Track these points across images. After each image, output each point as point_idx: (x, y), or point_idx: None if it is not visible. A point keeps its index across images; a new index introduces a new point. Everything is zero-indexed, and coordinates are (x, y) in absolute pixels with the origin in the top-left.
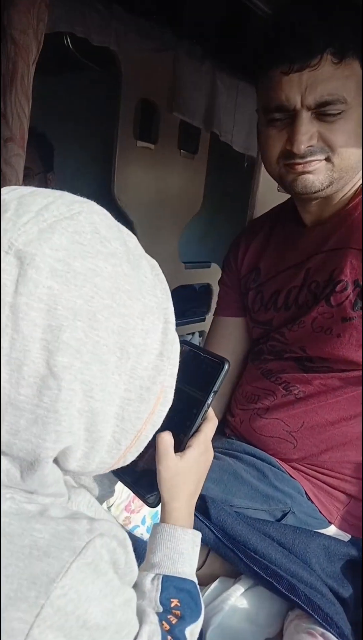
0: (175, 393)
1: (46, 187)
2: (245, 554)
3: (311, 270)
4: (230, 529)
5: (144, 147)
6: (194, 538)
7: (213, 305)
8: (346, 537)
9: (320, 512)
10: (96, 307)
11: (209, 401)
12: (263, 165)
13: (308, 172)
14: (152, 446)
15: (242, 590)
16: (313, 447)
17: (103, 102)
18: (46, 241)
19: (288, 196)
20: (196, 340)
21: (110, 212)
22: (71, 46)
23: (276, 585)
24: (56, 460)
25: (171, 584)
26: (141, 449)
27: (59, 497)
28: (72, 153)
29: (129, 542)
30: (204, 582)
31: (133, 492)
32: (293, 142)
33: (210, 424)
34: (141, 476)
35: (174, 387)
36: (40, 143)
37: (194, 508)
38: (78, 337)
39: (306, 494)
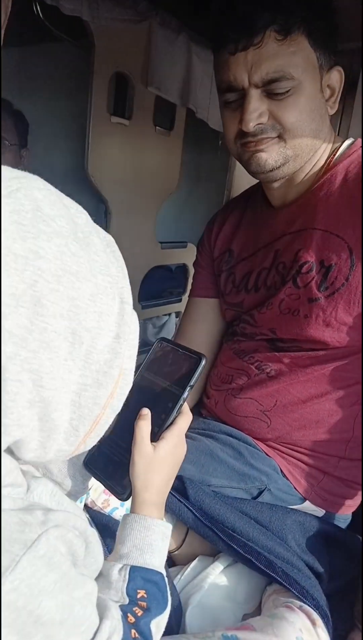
0: (152, 387)
1: (20, 162)
2: (223, 532)
3: (279, 252)
4: (208, 508)
5: (118, 122)
6: (165, 530)
7: (189, 286)
8: (320, 512)
9: (295, 488)
10: (41, 292)
11: (185, 395)
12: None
13: (261, 151)
14: (125, 439)
15: (221, 567)
16: (286, 425)
17: (76, 76)
18: None
19: None
20: (173, 321)
21: (84, 189)
22: (41, 15)
23: (255, 561)
24: (10, 451)
25: (138, 575)
26: (102, 434)
27: (16, 487)
28: (44, 128)
29: (91, 532)
30: (184, 561)
31: (105, 487)
32: (242, 120)
33: (185, 418)
34: (114, 470)
35: (133, 369)
36: (18, 119)
37: (165, 500)
38: (22, 325)
39: (281, 471)
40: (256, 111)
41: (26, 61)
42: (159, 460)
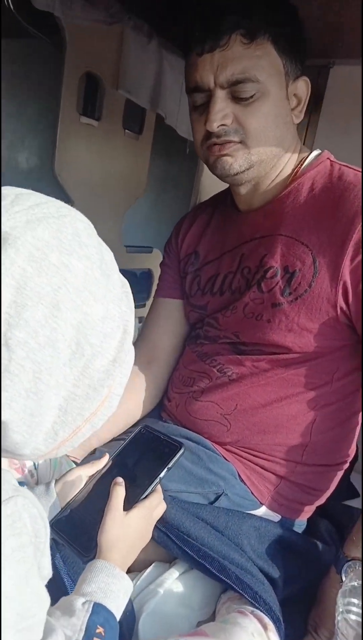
0: (131, 465)
1: None
2: (178, 537)
3: (244, 256)
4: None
5: (87, 123)
6: (128, 587)
7: (153, 291)
8: (276, 517)
9: (252, 493)
10: (61, 298)
11: (161, 475)
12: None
13: (226, 155)
14: (97, 507)
15: (177, 574)
16: (245, 429)
17: (46, 73)
18: (31, 230)
19: None
20: (136, 326)
21: (50, 190)
22: (12, 7)
23: (208, 566)
24: None
25: (101, 611)
26: (75, 445)
27: None
28: (11, 125)
29: (47, 523)
30: (138, 567)
31: (69, 548)
32: (207, 120)
33: (157, 495)
34: (81, 534)
35: (120, 396)
36: None
37: (127, 568)
38: (38, 319)
39: (239, 476)
40: (221, 112)
41: None
42: (128, 526)
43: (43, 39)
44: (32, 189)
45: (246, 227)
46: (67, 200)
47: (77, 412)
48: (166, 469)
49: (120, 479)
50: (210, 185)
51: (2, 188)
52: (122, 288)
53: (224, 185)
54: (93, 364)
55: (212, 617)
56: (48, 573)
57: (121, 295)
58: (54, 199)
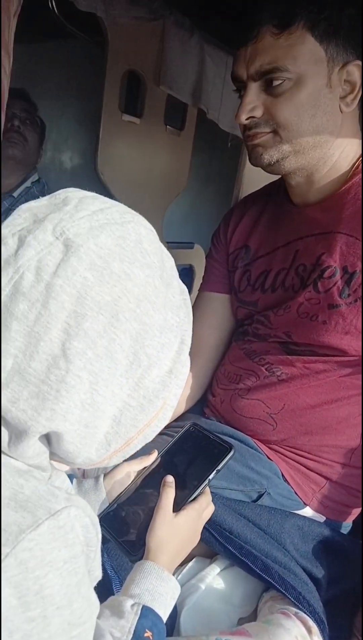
0: (180, 464)
1: (38, 161)
2: (220, 534)
3: (299, 253)
4: None
5: (129, 121)
6: (175, 590)
7: (195, 288)
8: (321, 518)
9: (296, 493)
10: (121, 308)
11: (210, 477)
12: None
13: (257, 145)
14: (146, 505)
15: (218, 570)
16: (292, 429)
17: (88, 73)
18: (94, 237)
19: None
20: None
21: (93, 188)
22: (56, 10)
23: (251, 565)
24: (48, 439)
25: (150, 615)
26: (127, 456)
27: (42, 470)
28: (55, 125)
29: (99, 529)
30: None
31: (117, 545)
32: (236, 113)
33: (206, 497)
34: (129, 532)
35: (174, 408)
36: (40, 122)
37: (173, 570)
38: (97, 329)
39: (282, 475)
40: (250, 104)
41: (39, 57)
42: (177, 528)
43: (85, 39)
44: (76, 187)
45: (302, 223)
46: (110, 197)
47: (131, 423)
48: (215, 471)
49: (170, 479)
50: (253, 179)
51: (66, 191)
52: (181, 295)
53: (266, 179)
54: (149, 374)
55: (253, 615)
56: (98, 575)
57: (180, 303)
58: (118, 204)
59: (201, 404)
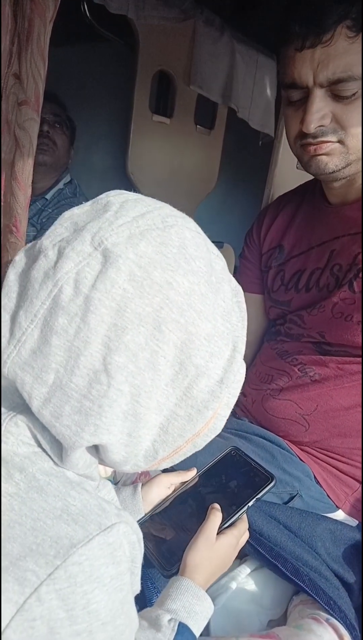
0: (219, 486)
1: (68, 162)
2: (251, 536)
3: (335, 252)
4: None
5: (159, 121)
6: (209, 610)
7: None
8: (353, 522)
9: (328, 496)
10: (163, 319)
11: (250, 504)
12: (281, 143)
13: (322, 154)
14: (184, 522)
15: (248, 571)
16: (325, 431)
17: (119, 74)
18: (133, 246)
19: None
20: None
21: (123, 188)
22: (88, 14)
23: (281, 568)
24: (94, 449)
25: (186, 632)
26: (176, 462)
27: (90, 480)
28: (86, 127)
29: (143, 544)
30: None
31: (151, 558)
32: (303, 121)
33: (243, 524)
34: (165, 547)
35: (226, 418)
36: (71, 123)
37: (206, 587)
38: (138, 342)
39: (315, 477)
40: (319, 112)
41: (70, 60)
42: (216, 552)
43: (117, 41)
44: (107, 188)
45: (338, 222)
46: None
47: (178, 432)
48: (255, 499)
49: (218, 505)
50: (284, 179)
51: (108, 195)
52: (234, 298)
53: (299, 179)
54: (197, 384)
55: (283, 617)
56: (137, 589)
57: (231, 307)
58: (162, 205)
59: None
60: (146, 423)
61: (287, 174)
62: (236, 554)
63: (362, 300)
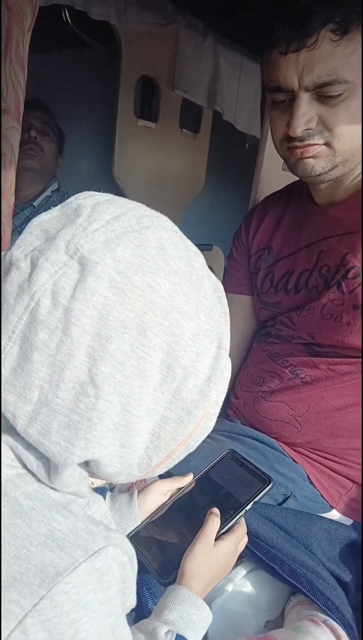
0: (216, 490)
1: (56, 170)
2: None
3: (323, 253)
4: None
5: (144, 126)
6: (207, 619)
7: None
8: (348, 521)
9: (322, 496)
10: (147, 323)
11: (248, 508)
12: (267, 144)
13: (309, 157)
14: (181, 528)
15: (244, 572)
16: (317, 432)
17: (103, 80)
18: (111, 251)
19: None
20: None
21: (110, 193)
22: (69, 21)
23: (278, 570)
24: (87, 463)
25: None
26: (171, 467)
27: (80, 497)
28: (71, 133)
29: (136, 562)
30: None
31: (148, 567)
32: (290, 124)
33: (242, 529)
34: (162, 554)
35: (217, 415)
36: (59, 131)
37: (203, 595)
38: (124, 350)
39: (308, 478)
40: (305, 116)
41: (54, 67)
42: (215, 559)
43: (99, 47)
44: (88, 192)
45: (325, 222)
46: None
47: (171, 436)
48: (252, 502)
49: (216, 510)
50: (270, 180)
51: (77, 197)
52: (215, 294)
53: (285, 180)
54: (186, 385)
55: (280, 618)
56: (132, 604)
57: (213, 304)
58: (135, 206)
59: (224, 406)
60: (138, 431)
61: (273, 175)
62: (235, 559)
63: (361, 302)
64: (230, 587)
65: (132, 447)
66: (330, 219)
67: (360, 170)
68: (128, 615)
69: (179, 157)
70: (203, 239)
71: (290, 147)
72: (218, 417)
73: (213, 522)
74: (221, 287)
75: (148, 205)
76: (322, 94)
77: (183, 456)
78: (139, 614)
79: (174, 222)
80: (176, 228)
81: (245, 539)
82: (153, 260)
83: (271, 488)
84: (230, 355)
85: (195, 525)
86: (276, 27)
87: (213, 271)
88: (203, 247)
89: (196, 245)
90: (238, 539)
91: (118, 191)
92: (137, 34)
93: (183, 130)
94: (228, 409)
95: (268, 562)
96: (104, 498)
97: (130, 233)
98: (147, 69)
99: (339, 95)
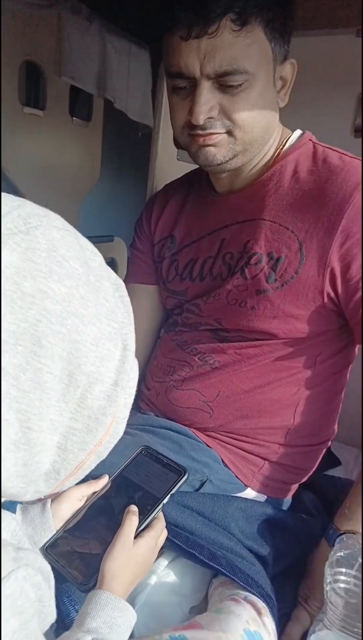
0: (132, 488)
1: None
2: (167, 529)
3: (225, 241)
4: None
5: (31, 114)
6: (132, 619)
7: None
8: (262, 498)
9: (237, 477)
10: (42, 332)
11: (165, 501)
12: (161, 133)
13: (210, 145)
14: (98, 531)
15: (166, 562)
16: (228, 415)
17: None
18: None
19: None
20: None
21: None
22: None
23: (198, 555)
24: None
25: None
26: (81, 478)
27: None
28: None
29: (52, 577)
30: None
31: (66, 575)
32: (192, 112)
33: (160, 523)
34: (80, 560)
35: (126, 419)
36: None
37: (125, 596)
38: (18, 364)
39: (222, 461)
40: (207, 104)
41: None
42: (135, 558)
43: None
44: None
45: (226, 211)
46: (18, 194)
47: (79, 447)
48: (169, 495)
49: (133, 508)
50: (164, 168)
51: None
52: (117, 293)
53: (181, 169)
54: (91, 392)
55: (204, 602)
56: (52, 619)
57: (114, 304)
58: (20, 204)
59: (136, 399)
60: (42, 447)
61: (168, 165)
62: (155, 555)
63: (263, 287)
64: (153, 580)
65: (37, 464)
66: (231, 207)
67: (259, 159)
68: (50, 628)
69: (71, 147)
70: (103, 230)
71: (191, 135)
72: (131, 410)
73: (131, 521)
74: (123, 285)
75: (42, 198)
76: (223, 82)
77: (93, 465)
78: (61, 626)
79: (72, 214)
80: (68, 226)
81: (165, 533)
82: (44, 264)
83: (186, 479)
84: (138, 348)
85: (114, 528)
86: (177, 11)
87: (115, 263)
88: (105, 238)
89: (97, 237)
90: (157, 534)
91: (8, 183)
92: (16, 16)
93: (74, 118)
94: (141, 402)
95: (188, 549)
96: (14, 512)
97: (16, 235)
98: (30, 54)
99: (240, 85)
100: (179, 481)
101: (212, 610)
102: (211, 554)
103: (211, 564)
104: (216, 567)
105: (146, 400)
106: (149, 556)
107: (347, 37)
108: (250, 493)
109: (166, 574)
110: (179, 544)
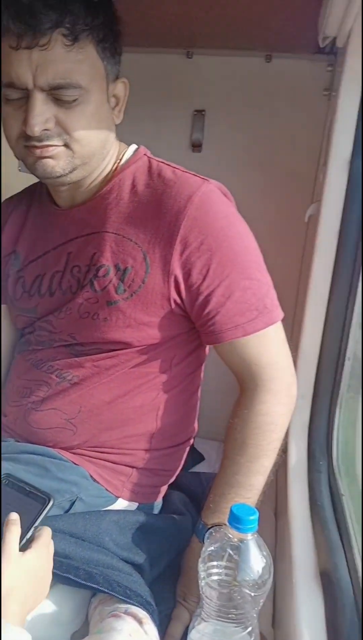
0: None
1: None
2: None
3: (72, 254)
4: None
5: None
6: None
7: None
8: (134, 506)
9: (107, 489)
10: None
11: (28, 536)
12: (1, 144)
13: (48, 157)
14: None
15: None
16: (93, 429)
17: None
18: None
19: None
20: None
21: None
22: None
23: (73, 578)
24: None
25: None
26: None
27: None
28: None
29: None
30: None
31: None
32: (26, 123)
33: (46, 531)
34: None
35: None
36: None
37: (26, 616)
38: None
39: (91, 476)
40: (42, 115)
41: None
42: (27, 568)
43: None
44: None
45: (70, 224)
46: None
47: None
48: (33, 528)
49: (15, 516)
50: (8, 182)
51: None
52: None
53: (25, 181)
54: None
55: (86, 624)
56: None
57: None
58: None
59: None
60: None
61: (10, 176)
62: (51, 563)
63: (113, 299)
64: (29, 616)
65: None
66: (75, 220)
67: (99, 173)
68: None
69: None
70: None
71: (27, 146)
72: None
73: (11, 531)
74: None
75: None
76: (58, 96)
77: None
78: None
79: None
80: None
81: (52, 545)
82: None
83: (52, 506)
84: None
85: None
86: (5, 19)
87: None
88: None
89: None
90: (45, 541)
91: None
92: None
93: None
94: None
95: (63, 574)
96: None
97: None
98: None
99: (75, 100)
100: (43, 511)
101: (93, 631)
102: (87, 574)
103: (88, 583)
104: (93, 587)
105: (5, 427)
106: (44, 564)
107: (179, 56)
108: (121, 503)
109: (45, 604)
110: (53, 571)
